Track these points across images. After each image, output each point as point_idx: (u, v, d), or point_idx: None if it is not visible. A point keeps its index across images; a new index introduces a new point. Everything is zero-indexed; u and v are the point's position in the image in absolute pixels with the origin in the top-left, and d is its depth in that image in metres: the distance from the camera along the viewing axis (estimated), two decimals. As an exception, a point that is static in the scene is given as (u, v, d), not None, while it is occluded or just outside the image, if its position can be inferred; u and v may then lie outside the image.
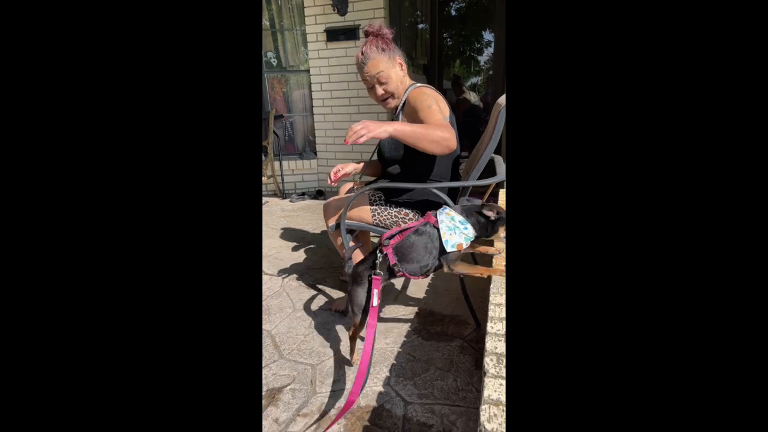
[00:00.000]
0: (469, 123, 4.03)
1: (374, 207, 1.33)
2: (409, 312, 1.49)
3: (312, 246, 2.24)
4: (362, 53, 1.31)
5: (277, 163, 3.42)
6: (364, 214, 1.33)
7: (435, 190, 1.21)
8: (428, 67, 3.76)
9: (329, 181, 1.36)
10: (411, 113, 1.26)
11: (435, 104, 1.20)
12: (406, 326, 1.40)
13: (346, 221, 1.34)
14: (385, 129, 1.02)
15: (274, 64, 3.51)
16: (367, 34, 1.33)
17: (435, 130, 1.07)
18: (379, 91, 1.32)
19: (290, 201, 3.29)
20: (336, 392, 1.09)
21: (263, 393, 1.09)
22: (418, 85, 1.32)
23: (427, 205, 1.31)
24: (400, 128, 1.04)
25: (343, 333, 1.37)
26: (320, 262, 2.00)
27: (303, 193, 3.42)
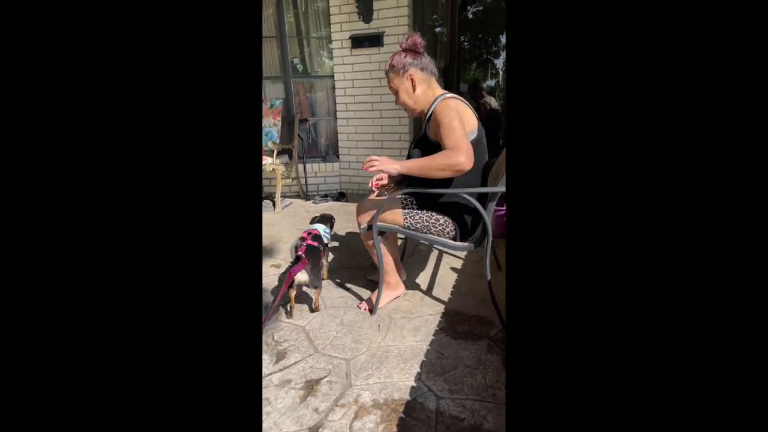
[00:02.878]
0: (488, 128, 4.05)
1: (407, 211, 1.39)
2: (435, 312, 1.55)
3: (337, 246, 2.31)
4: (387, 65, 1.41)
5: (300, 166, 3.51)
6: (396, 217, 1.39)
7: (466, 196, 1.27)
8: (446, 70, 3.82)
9: (370, 185, 1.48)
10: (435, 127, 1.29)
11: (457, 119, 1.23)
12: (434, 325, 1.45)
13: (378, 223, 1.40)
14: (395, 167, 1.25)
15: (300, 69, 3.61)
16: (402, 48, 1.40)
17: (440, 159, 1.19)
18: (396, 100, 1.46)
19: (313, 202, 3.37)
20: (371, 385, 1.15)
21: (302, 384, 1.16)
22: (447, 96, 1.34)
23: (457, 210, 1.36)
24: (408, 165, 1.25)
25: (372, 330, 1.43)
26: (347, 263, 2.07)
27: (326, 195, 3.51)
